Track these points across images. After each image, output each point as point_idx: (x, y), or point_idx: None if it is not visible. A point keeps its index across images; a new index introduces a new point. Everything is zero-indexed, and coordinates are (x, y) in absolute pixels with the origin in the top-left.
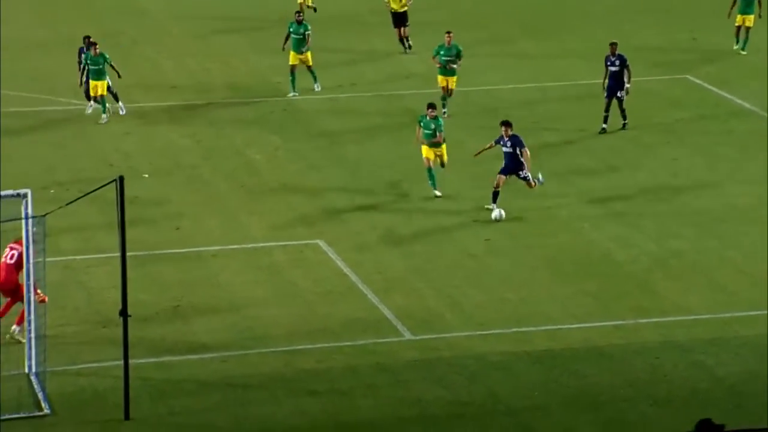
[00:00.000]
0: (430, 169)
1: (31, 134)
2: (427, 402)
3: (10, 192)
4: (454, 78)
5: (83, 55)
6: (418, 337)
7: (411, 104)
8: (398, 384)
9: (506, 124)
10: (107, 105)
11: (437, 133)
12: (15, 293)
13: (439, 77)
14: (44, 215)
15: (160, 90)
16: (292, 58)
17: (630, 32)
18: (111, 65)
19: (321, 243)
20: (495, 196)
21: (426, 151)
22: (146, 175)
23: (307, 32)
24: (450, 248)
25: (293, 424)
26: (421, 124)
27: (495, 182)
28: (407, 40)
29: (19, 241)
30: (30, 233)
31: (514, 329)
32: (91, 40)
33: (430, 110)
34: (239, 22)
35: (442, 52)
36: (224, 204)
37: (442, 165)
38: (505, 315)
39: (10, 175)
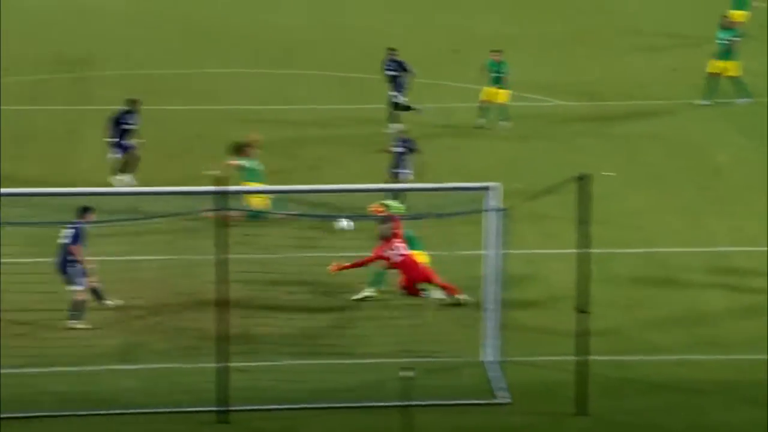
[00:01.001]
0: None
1: (496, 129)
2: None
3: (477, 185)
4: None
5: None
6: None
7: None
8: None
9: None
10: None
11: None
12: (425, 278)
13: None
14: (506, 209)
15: (627, 88)
16: (711, 65)
17: None
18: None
19: None
20: None
21: None
22: (611, 174)
23: (733, 38)
24: None
25: None
26: None
27: None
28: None
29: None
30: (496, 226)
31: None
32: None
33: None
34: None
35: None
36: (686, 204)
37: None
38: None
39: (474, 168)
